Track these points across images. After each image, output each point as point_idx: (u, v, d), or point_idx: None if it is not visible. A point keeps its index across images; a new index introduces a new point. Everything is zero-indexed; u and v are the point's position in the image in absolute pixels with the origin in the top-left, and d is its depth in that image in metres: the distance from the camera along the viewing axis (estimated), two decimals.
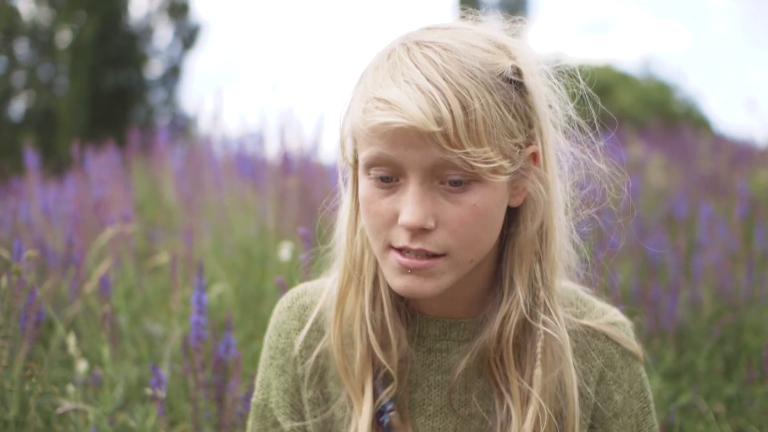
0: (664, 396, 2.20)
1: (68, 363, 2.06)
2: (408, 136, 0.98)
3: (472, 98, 0.97)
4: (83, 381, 1.84)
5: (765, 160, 5.40)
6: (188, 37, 14.25)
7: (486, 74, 1.00)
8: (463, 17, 1.12)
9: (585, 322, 1.18)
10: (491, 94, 0.99)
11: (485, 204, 1.02)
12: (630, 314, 1.26)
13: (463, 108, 0.97)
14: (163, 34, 14.18)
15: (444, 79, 0.97)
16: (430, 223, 1.01)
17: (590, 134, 1.15)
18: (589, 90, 1.14)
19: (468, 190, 1.01)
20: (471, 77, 0.98)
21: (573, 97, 1.14)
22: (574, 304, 1.20)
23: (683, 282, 2.82)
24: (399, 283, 1.05)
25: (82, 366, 1.88)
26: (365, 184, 1.05)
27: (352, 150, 1.10)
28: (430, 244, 1.02)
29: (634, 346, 1.20)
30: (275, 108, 4.70)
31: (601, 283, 1.35)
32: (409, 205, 1.00)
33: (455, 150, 0.97)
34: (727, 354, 2.53)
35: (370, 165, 1.03)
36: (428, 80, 0.97)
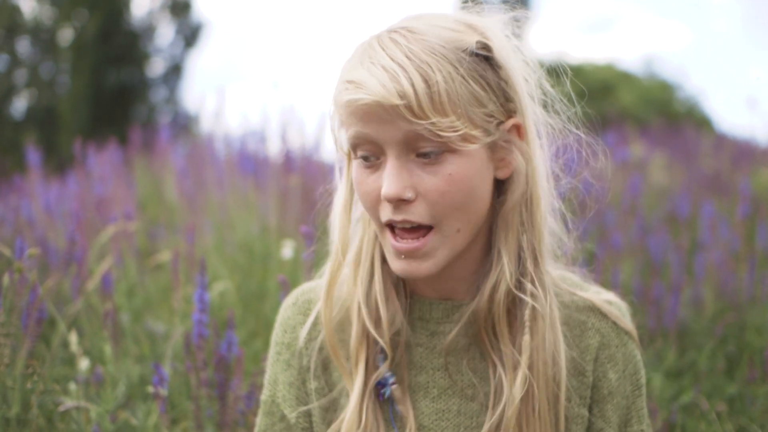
0: (666, 395, 2.20)
1: (70, 361, 2.06)
2: (375, 112, 1.03)
3: (434, 71, 1.03)
4: (85, 379, 1.84)
5: (767, 159, 5.39)
6: (190, 35, 14.25)
7: (449, 50, 1.05)
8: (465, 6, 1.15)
9: (583, 294, 1.20)
10: (455, 67, 1.04)
11: (462, 173, 1.06)
12: (632, 313, 1.26)
13: (425, 81, 1.02)
14: (165, 33, 14.18)
15: (406, 57, 1.03)
16: (409, 194, 1.05)
17: (567, 105, 1.18)
18: (564, 66, 1.18)
19: (443, 161, 1.05)
20: (432, 53, 1.04)
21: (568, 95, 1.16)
22: (571, 289, 1.22)
23: (685, 281, 2.81)
24: (398, 266, 1.10)
25: (83, 364, 1.88)
26: (354, 166, 1.12)
27: (343, 139, 1.14)
28: (413, 214, 1.06)
29: (629, 325, 1.22)
30: (277, 106, 4.72)
31: (603, 280, 1.36)
32: (387, 178, 1.05)
33: (421, 121, 1.02)
34: (729, 353, 2.53)
35: (353, 145, 1.09)
36: (392, 60, 1.03)
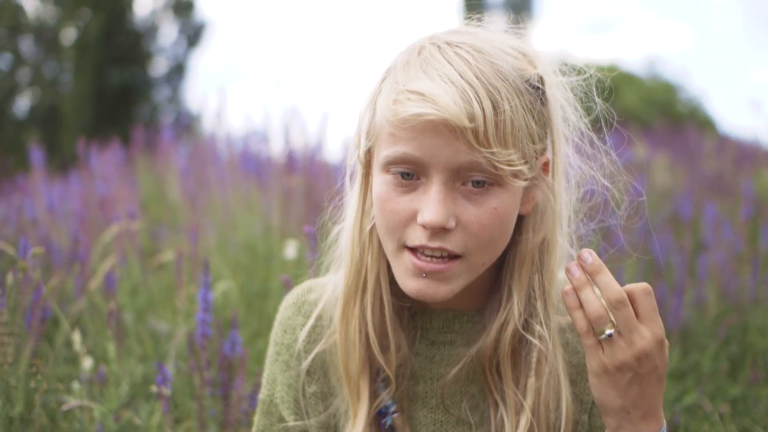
0: (669, 396, 2.19)
1: (73, 360, 2.06)
2: (438, 131, 0.98)
3: (502, 99, 0.99)
4: (88, 378, 1.84)
5: None
6: (193, 34, 14.23)
7: (516, 78, 1.01)
8: (468, 18, 1.12)
9: None
10: (519, 97, 1.01)
11: (505, 208, 1.03)
12: None
13: (494, 107, 0.98)
14: (168, 32, 14.16)
15: (477, 78, 0.98)
16: (451, 223, 1.01)
17: (601, 149, 1.16)
18: (605, 105, 1.15)
19: (489, 194, 1.02)
20: (503, 79, 1.00)
21: (589, 109, 1.15)
22: None
23: (688, 282, 2.81)
24: (412, 285, 1.06)
25: (87, 363, 1.89)
26: (382, 182, 1.05)
27: (366, 147, 1.10)
28: (450, 243, 1.02)
29: None
30: (279, 106, 4.71)
31: None
32: (432, 204, 1.01)
33: (482, 149, 0.97)
34: (732, 354, 2.53)
35: (391, 163, 1.03)
36: (461, 77, 0.98)
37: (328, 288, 1.23)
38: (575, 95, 1.13)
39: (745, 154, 5.64)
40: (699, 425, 2.10)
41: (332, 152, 4.11)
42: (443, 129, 0.98)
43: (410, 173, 1.02)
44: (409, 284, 1.06)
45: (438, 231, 1.02)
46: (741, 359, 2.52)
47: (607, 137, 1.17)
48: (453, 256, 1.04)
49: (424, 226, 1.02)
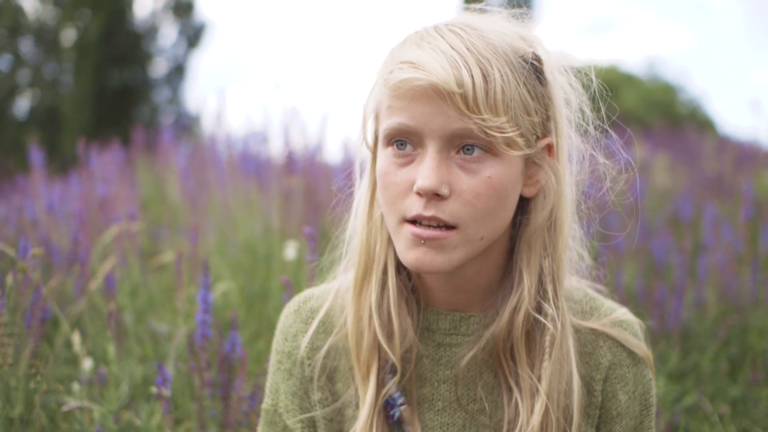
0: (669, 397, 2.20)
1: (73, 361, 2.06)
2: (427, 96, 1.02)
3: (492, 68, 1.02)
4: (88, 379, 1.84)
5: None
6: (193, 35, 14.24)
7: (508, 52, 1.05)
8: (467, 8, 1.14)
9: (590, 324, 1.18)
10: (511, 70, 1.04)
11: (499, 178, 1.05)
12: (635, 315, 1.26)
13: (484, 76, 1.01)
14: (168, 33, 14.16)
15: (467, 48, 1.02)
16: (444, 190, 1.03)
17: (601, 135, 1.17)
18: (601, 84, 1.16)
19: (483, 163, 1.04)
20: (493, 51, 1.03)
21: (590, 97, 1.16)
22: (582, 302, 1.21)
23: (688, 283, 2.81)
24: (411, 256, 1.07)
25: (87, 364, 1.89)
26: (383, 157, 1.09)
27: (372, 131, 1.13)
28: (443, 212, 1.04)
29: (641, 347, 1.20)
30: (279, 107, 4.70)
31: (606, 283, 1.35)
32: (425, 170, 1.03)
33: (473, 115, 1.00)
34: (732, 355, 2.53)
35: (390, 136, 1.07)
36: (452, 47, 1.02)
37: (331, 293, 1.23)
38: (578, 81, 1.15)
39: (745, 154, 5.64)
40: (699, 426, 2.10)
41: (332, 153, 4.11)
42: (434, 96, 1.01)
43: (405, 142, 1.06)
44: (409, 255, 1.07)
45: (432, 198, 1.04)
46: (741, 360, 2.52)
47: (610, 131, 1.19)
48: (449, 227, 1.05)
49: (419, 194, 1.04)
